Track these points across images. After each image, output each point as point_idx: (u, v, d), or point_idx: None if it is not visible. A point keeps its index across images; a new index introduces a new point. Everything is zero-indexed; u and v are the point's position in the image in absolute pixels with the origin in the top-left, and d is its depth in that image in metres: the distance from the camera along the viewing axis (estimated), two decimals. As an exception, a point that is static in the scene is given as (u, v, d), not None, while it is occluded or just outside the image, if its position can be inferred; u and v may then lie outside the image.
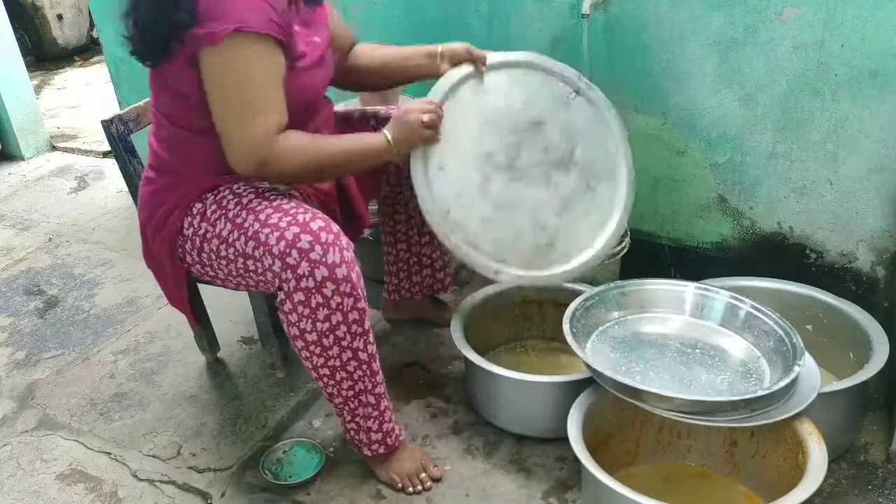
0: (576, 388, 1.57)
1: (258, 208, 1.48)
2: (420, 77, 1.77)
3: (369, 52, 1.80)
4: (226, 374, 2.07)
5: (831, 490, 1.56)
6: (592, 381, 1.54)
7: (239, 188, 1.55)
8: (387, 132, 1.55)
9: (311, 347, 1.48)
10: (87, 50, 5.40)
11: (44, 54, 5.20)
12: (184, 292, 1.72)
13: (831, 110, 1.74)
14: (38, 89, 4.60)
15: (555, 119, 1.73)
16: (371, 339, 1.52)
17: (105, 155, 3.59)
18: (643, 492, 1.27)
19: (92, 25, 5.23)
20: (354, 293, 1.43)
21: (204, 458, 1.79)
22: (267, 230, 1.42)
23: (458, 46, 1.70)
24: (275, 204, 1.48)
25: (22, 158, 3.66)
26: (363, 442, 1.63)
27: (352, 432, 1.64)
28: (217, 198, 1.55)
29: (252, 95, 1.41)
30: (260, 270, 1.47)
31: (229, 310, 2.22)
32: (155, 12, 1.40)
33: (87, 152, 3.70)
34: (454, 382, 1.94)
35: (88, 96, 4.52)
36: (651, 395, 1.39)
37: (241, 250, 1.49)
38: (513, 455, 1.72)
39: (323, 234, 1.40)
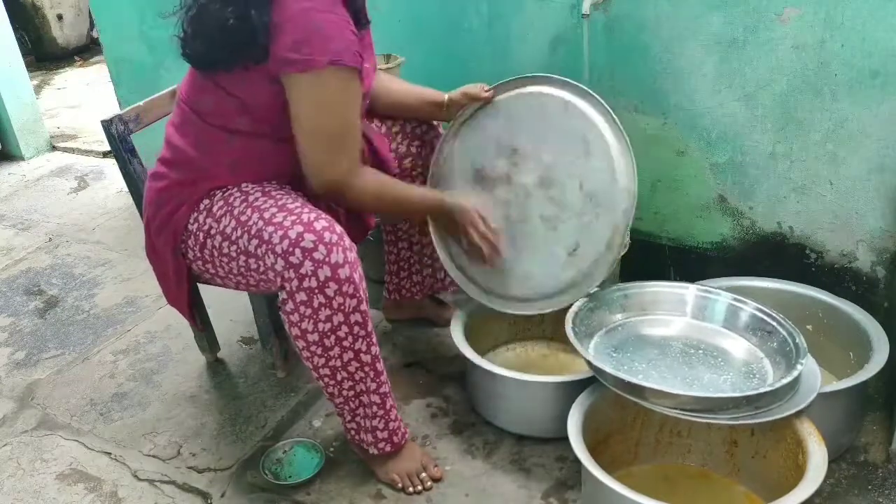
0: (576, 388, 1.57)
1: (263, 207, 1.48)
2: (429, 120, 1.88)
3: (386, 84, 1.81)
4: (226, 374, 2.07)
5: (831, 490, 1.56)
6: (593, 381, 1.54)
7: (247, 186, 1.56)
8: (448, 202, 1.69)
9: (313, 347, 1.48)
10: (87, 50, 5.40)
11: (44, 54, 5.20)
12: (184, 290, 1.71)
13: (831, 110, 1.74)
14: (38, 89, 4.60)
15: (542, 134, 1.75)
16: (374, 340, 1.52)
17: (105, 155, 3.59)
18: (643, 491, 1.27)
19: (92, 25, 5.23)
20: (357, 294, 1.44)
21: (204, 458, 1.79)
22: (271, 228, 1.43)
23: (460, 96, 1.78)
24: (280, 203, 1.48)
25: (22, 158, 3.66)
26: (367, 441, 1.63)
27: (352, 432, 1.64)
28: (224, 194, 1.55)
29: (342, 129, 1.48)
30: (262, 269, 1.47)
31: (229, 310, 2.23)
32: (221, 20, 1.40)
33: (87, 152, 3.70)
34: (454, 382, 1.94)
35: (88, 96, 4.52)
36: (654, 392, 1.39)
37: (243, 248, 1.49)
38: (513, 455, 1.72)
39: (327, 234, 1.40)
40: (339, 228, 1.44)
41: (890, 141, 1.71)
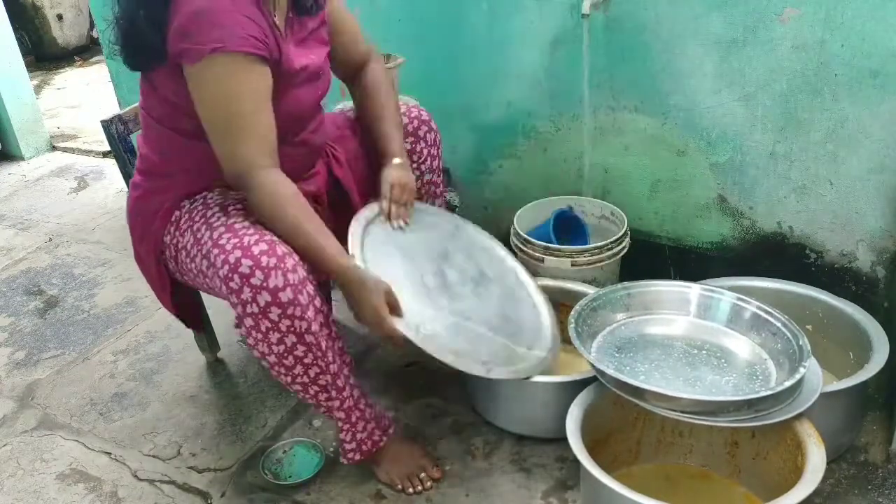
0: (576, 388, 1.57)
1: (215, 224, 1.47)
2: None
3: (372, 96, 1.73)
4: (226, 374, 2.07)
5: (831, 490, 1.56)
6: (593, 381, 1.54)
7: (210, 198, 1.56)
8: (350, 273, 1.45)
9: (276, 367, 1.48)
10: (87, 50, 5.40)
11: (44, 54, 5.20)
12: (168, 296, 1.72)
13: (831, 110, 1.74)
14: (38, 89, 4.60)
15: (455, 247, 1.75)
16: (332, 357, 1.48)
17: (105, 155, 3.59)
18: (643, 491, 1.26)
19: (92, 25, 5.23)
20: (305, 315, 1.40)
21: (204, 458, 1.79)
22: (216, 251, 1.41)
23: (385, 187, 1.64)
24: (229, 222, 1.46)
25: (22, 158, 3.66)
26: (340, 451, 1.64)
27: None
28: (190, 207, 1.56)
29: (238, 117, 1.41)
30: (215, 290, 1.47)
31: (229, 310, 2.21)
32: (130, 20, 1.41)
33: (87, 152, 3.70)
34: (454, 382, 1.94)
35: (88, 96, 4.52)
36: (655, 395, 1.39)
37: (198, 267, 1.49)
38: (513, 455, 1.72)
39: (264, 259, 1.36)
40: (280, 250, 1.39)
41: (890, 141, 1.71)
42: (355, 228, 1.59)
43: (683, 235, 2.09)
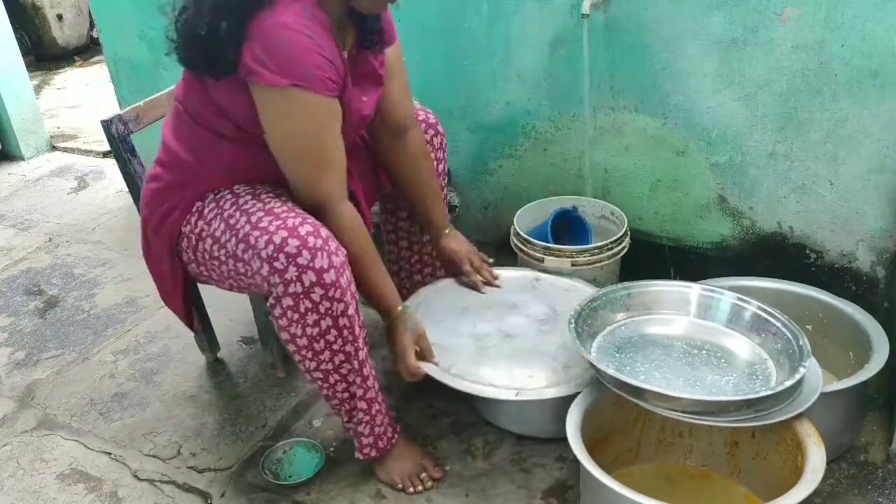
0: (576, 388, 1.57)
1: (251, 210, 1.48)
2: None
3: (417, 164, 1.79)
4: (226, 374, 2.07)
5: (831, 490, 1.56)
6: (593, 381, 1.54)
7: (239, 188, 1.56)
8: (395, 313, 1.62)
9: (303, 352, 1.48)
10: (87, 50, 5.39)
11: (44, 54, 5.20)
12: (179, 292, 1.72)
13: (831, 110, 1.74)
14: (38, 89, 4.60)
15: (528, 297, 1.90)
16: (362, 344, 1.52)
17: (105, 155, 3.59)
18: (643, 491, 1.26)
19: (92, 25, 5.22)
20: (343, 299, 1.43)
21: (204, 458, 1.79)
22: (257, 233, 1.42)
23: (463, 263, 1.88)
24: (267, 207, 1.48)
25: (22, 158, 3.66)
26: (356, 445, 1.64)
27: (350, 432, 1.64)
28: (216, 197, 1.55)
29: (320, 151, 1.46)
30: (249, 273, 1.47)
31: (229, 310, 2.23)
32: (208, 27, 1.38)
33: (87, 152, 3.70)
34: (454, 382, 1.94)
35: (88, 96, 4.52)
36: (655, 395, 1.39)
37: (232, 252, 1.49)
38: (513, 455, 1.72)
39: (311, 239, 1.39)
40: (325, 232, 1.43)
41: (890, 141, 1.71)
42: (425, 291, 1.90)
43: (683, 235, 2.09)
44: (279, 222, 1.42)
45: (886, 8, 1.59)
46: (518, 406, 1.71)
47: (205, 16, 1.38)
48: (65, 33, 5.23)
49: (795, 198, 1.88)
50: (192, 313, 1.91)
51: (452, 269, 1.89)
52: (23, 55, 3.65)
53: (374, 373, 1.59)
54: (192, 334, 2.09)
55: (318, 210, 1.48)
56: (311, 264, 1.38)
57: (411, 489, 1.64)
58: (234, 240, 1.47)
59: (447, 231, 1.85)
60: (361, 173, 1.75)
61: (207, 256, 1.55)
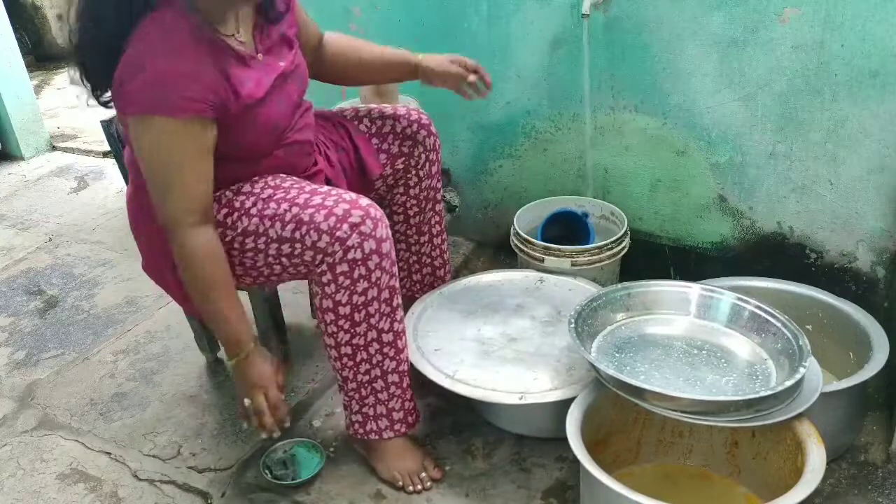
0: (576, 388, 1.57)
1: (290, 197, 1.50)
2: (404, 81, 1.83)
3: (342, 46, 1.80)
4: (226, 374, 2.07)
5: (831, 490, 1.56)
6: (593, 381, 1.54)
7: (247, 188, 1.55)
8: (235, 363, 1.52)
9: (341, 321, 1.52)
10: (87, 50, 5.39)
11: (44, 54, 5.20)
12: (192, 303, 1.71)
13: (831, 110, 1.74)
14: (38, 89, 4.59)
15: (533, 299, 1.90)
16: (399, 317, 1.57)
17: (105, 155, 3.59)
18: (643, 491, 1.26)
19: (92, 25, 5.22)
20: (392, 270, 1.51)
21: (204, 458, 1.79)
22: (310, 210, 1.46)
23: (439, 69, 1.75)
24: (307, 189, 1.52)
25: (22, 158, 3.66)
26: (377, 429, 1.64)
27: (356, 425, 1.65)
28: (226, 202, 1.55)
29: (167, 175, 1.43)
30: (297, 252, 1.49)
31: (229, 310, 2.22)
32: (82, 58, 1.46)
33: (87, 152, 3.70)
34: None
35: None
36: (655, 395, 1.39)
37: (276, 236, 1.50)
38: (513, 455, 1.72)
39: (372, 210, 1.47)
40: (380, 208, 1.49)
41: (890, 141, 1.71)
42: (427, 297, 1.91)
43: (683, 235, 2.09)
44: (334, 197, 1.47)
45: (886, 8, 1.59)
46: (520, 408, 1.71)
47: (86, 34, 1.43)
48: (65, 33, 5.22)
49: (795, 198, 1.88)
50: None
51: (449, 83, 1.79)
52: (23, 55, 3.65)
53: (406, 350, 1.63)
54: (192, 334, 2.09)
55: (168, 235, 1.46)
56: (374, 233, 1.45)
57: (411, 487, 1.63)
58: (278, 225, 1.48)
59: (420, 58, 1.77)
60: (346, 168, 1.77)
61: (237, 253, 1.55)
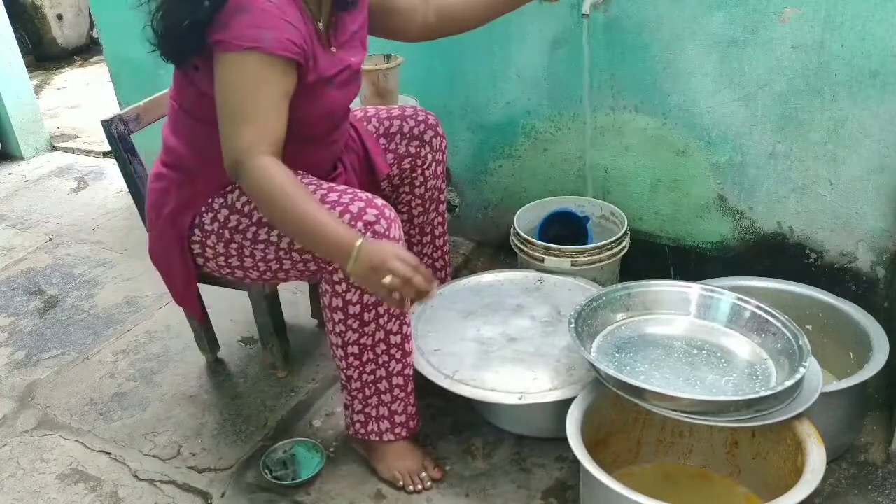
0: (576, 388, 1.57)
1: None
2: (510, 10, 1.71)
3: (458, 7, 1.70)
4: (226, 374, 2.07)
5: (831, 490, 1.56)
6: (593, 381, 1.54)
7: None
8: (358, 249, 1.34)
9: (350, 321, 1.52)
10: (87, 50, 5.39)
11: (44, 54, 5.20)
12: (193, 289, 1.74)
13: (831, 110, 1.74)
14: (38, 89, 4.60)
15: (533, 299, 1.90)
16: (408, 320, 1.57)
17: (105, 155, 3.59)
18: (643, 491, 1.26)
19: (92, 25, 5.22)
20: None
21: (204, 458, 1.79)
22: (326, 206, 1.45)
23: None
24: (324, 186, 1.52)
25: (22, 158, 3.66)
26: (378, 430, 1.64)
27: (357, 425, 1.65)
28: (241, 192, 1.55)
29: (247, 107, 1.40)
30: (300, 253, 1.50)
31: (229, 310, 2.22)
32: (176, 14, 1.40)
33: (87, 152, 3.70)
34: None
35: (88, 96, 4.52)
36: (655, 395, 1.39)
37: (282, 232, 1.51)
38: (513, 455, 1.72)
39: (387, 210, 1.47)
40: (394, 210, 1.50)
41: (890, 141, 1.71)
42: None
43: (683, 235, 2.09)
44: (350, 195, 1.48)
45: (886, 8, 1.59)
46: (520, 408, 1.71)
47: (170, 7, 1.40)
48: (65, 33, 5.23)
49: (795, 198, 1.88)
50: (204, 308, 1.93)
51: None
52: (23, 55, 3.65)
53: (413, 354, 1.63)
54: (192, 334, 2.09)
55: (237, 169, 1.39)
56: (388, 233, 1.45)
57: (411, 487, 1.63)
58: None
59: None
60: (355, 169, 1.77)
61: (249, 244, 1.56)
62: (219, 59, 1.39)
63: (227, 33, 1.37)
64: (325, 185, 1.54)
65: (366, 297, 1.49)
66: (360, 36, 1.64)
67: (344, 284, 1.49)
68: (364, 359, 1.57)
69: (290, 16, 1.41)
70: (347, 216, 1.44)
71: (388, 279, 1.30)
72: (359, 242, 1.33)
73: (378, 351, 1.57)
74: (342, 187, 1.52)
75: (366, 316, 1.51)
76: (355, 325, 1.52)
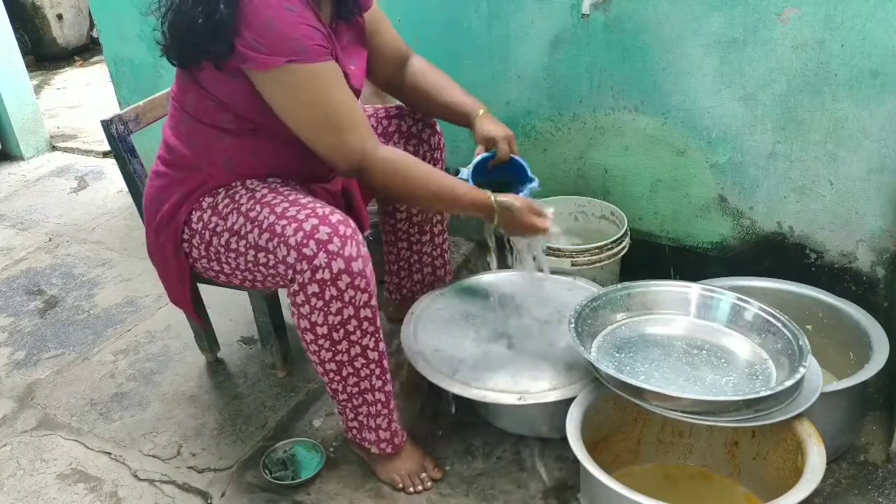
0: (576, 388, 1.57)
1: (273, 202, 1.49)
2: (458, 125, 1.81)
3: (428, 86, 1.79)
4: (226, 374, 2.07)
5: (831, 490, 1.56)
6: (593, 381, 1.54)
7: (252, 183, 1.56)
8: (498, 201, 1.54)
9: (321, 341, 1.49)
10: (87, 50, 5.40)
11: (44, 54, 5.20)
12: (187, 289, 1.72)
13: (831, 110, 1.74)
14: (38, 89, 4.60)
15: (532, 299, 1.88)
16: (381, 337, 1.53)
17: (105, 155, 3.59)
18: (643, 491, 1.26)
19: (92, 25, 5.23)
20: (368, 289, 1.44)
21: (204, 458, 1.79)
22: (283, 222, 1.43)
23: (495, 132, 1.72)
24: (290, 198, 1.49)
25: (22, 158, 3.66)
26: (368, 440, 1.63)
27: (353, 431, 1.64)
28: (229, 192, 1.56)
29: (336, 112, 1.46)
30: (272, 263, 1.48)
31: (229, 310, 2.22)
32: (191, 19, 1.40)
33: (87, 152, 3.70)
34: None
35: (88, 96, 4.52)
36: (655, 395, 1.39)
37: (253, 242, 1.49)
38: (513, 455, 1.72)
39: (341, 227, 1.42)
40: (352, 223, 1.45)
41: (890, 141, 1.71)
42: (426, 298, 1.91)
43: (683, 235, 2.09)
44: (307, 211, 1.44)
45: (886, 8, 1.59)
46: (520, 408, 1.71)
47: (185, 11, 1.40)
48: (65, 33, 5.23)
49: (795, 198, 1.88)
50: (200, 308, 1.92)
51: (489, 147, 1.77)
52: (23, 55, 3.66)
53: (390, 367, 1.60)
54: (192, 334, 2.09)
55: (359, 167, 1.49)
56: (342, 252, 1.40)
57: (411, 489, 1.63)
58: (256, 230, 1.48)
59: (481, 112, 1.77)
60: None
61: (223, 250, 1.56)
62: (262, 78, 1.42)
63: (262, 51, 1.38)
64: (293, 196, 1.50)
65: (331, 317, 1.44)
66: (360, 39, 1.65)
67: (307, 307, 1.45)
68: (344, 373, 1.54)
69: (310, 19, 1.42)
70: (300, 234, 1.40)
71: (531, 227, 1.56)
72: (497, 214, 1.54)
73: (357, 365, 1.53)
74: (306, 200, 1.48)
75: (335, 335, 1.47)
76: (327, 345, 1.49)
